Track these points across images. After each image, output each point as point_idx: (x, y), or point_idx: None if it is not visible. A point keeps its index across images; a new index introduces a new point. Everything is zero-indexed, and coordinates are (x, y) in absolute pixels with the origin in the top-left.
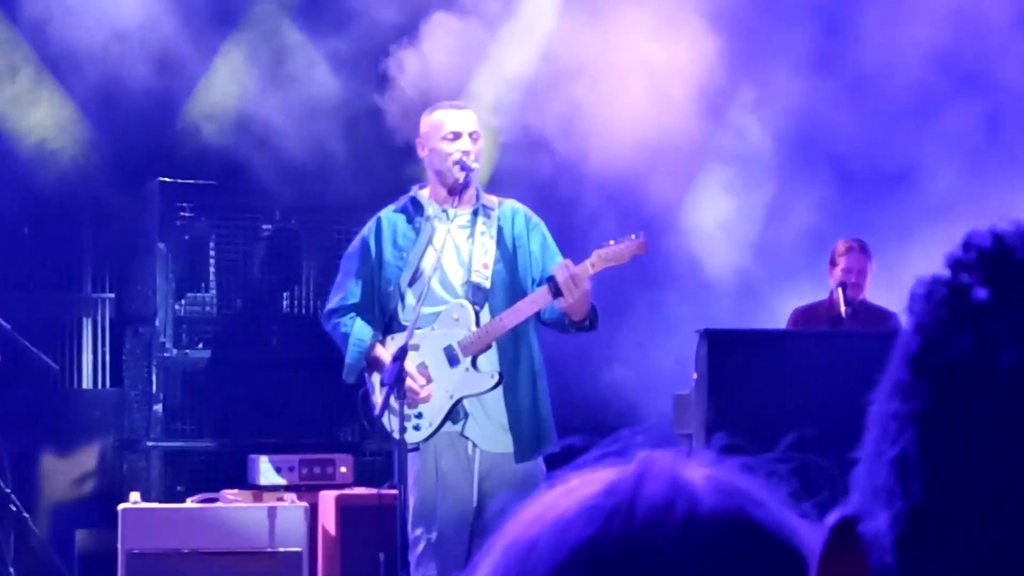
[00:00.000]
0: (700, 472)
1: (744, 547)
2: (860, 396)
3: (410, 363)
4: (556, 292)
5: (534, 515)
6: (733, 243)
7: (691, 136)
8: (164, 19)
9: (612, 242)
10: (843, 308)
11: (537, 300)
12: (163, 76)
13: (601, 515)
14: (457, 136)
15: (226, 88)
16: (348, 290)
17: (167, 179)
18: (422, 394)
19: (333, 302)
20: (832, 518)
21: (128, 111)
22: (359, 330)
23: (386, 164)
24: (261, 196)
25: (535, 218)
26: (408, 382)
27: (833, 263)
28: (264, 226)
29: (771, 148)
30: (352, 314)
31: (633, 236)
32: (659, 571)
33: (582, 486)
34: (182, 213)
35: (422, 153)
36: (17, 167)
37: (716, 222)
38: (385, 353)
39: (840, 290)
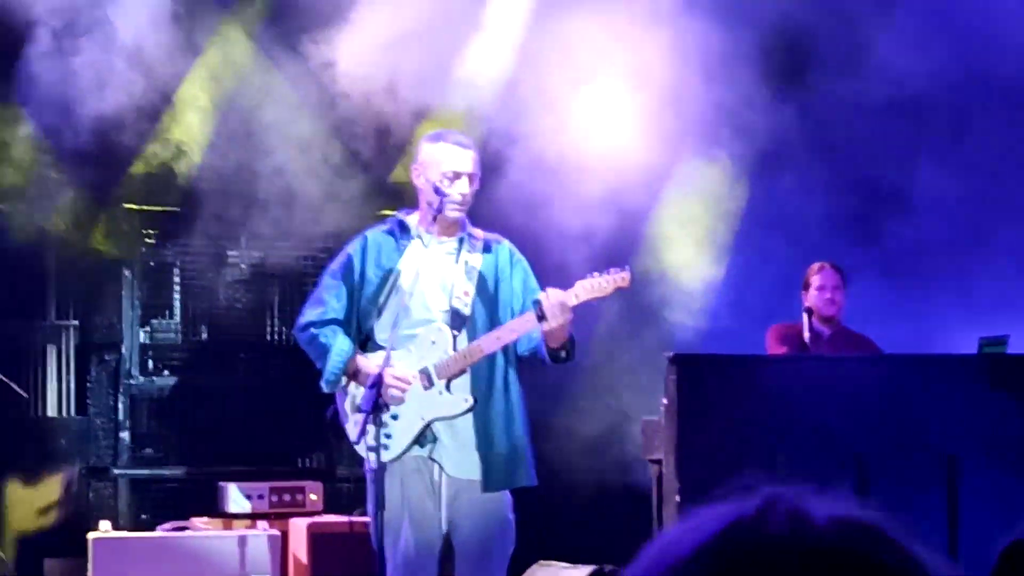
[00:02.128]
0: (824, 510)
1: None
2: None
3: (388, 374)
4: (541, 316)
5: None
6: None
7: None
8: (129, 45)
9: (596, 274)
10: (807, 334)
11: (519, 325)
12: (128, 100)
13: (721, 542)
14: (457, 177)
15: (191, 116)
16: (328, 304)
17: (132, 205)
18: (400, 400)
19: (312, 315)
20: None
21: (89, 135)
22: (341, 342)
23: (354, 192)
24: (226, 223)
25: (518, 255)
26: (393, 384)
27: (805, 286)
28: (230, 252)
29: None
30: (333, 327)
31: (616, 269)
32: None
33: (704, 517)
34: (147, 240)
35: (416, 180)
36: None
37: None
38: (367, 365)
39: (807, 315)
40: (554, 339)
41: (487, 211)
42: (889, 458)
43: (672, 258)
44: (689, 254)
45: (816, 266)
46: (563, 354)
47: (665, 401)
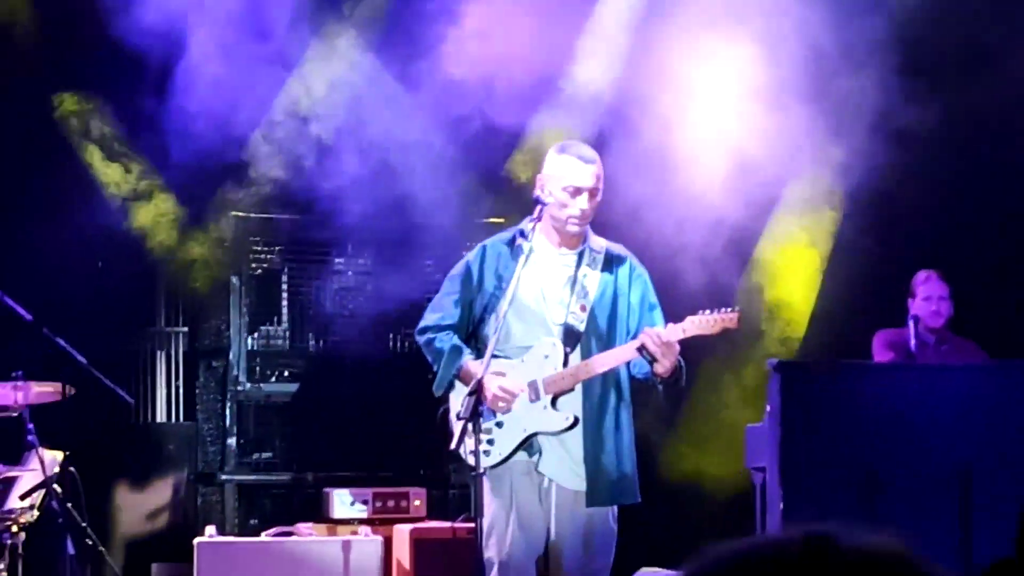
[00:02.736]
0: (856, 537)
1: None
2: (934, 429)
3: (493, 383)
4: (651, 360)
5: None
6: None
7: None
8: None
9: (706, 312)
10: (912, 342)
11: (623, 355)
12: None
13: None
14: (578, 192)
15: (292, 120)
16: (446, 310)
17: (240, 213)
18: (505, 410)
19: (430, 319)
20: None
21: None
22: (455, 347)
23: (462, 199)
24: (334, 230)
25: (640, 268)
26: (500, 396)
27: (912, 294)
28: (336, 260)
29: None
30: (449, 332)
31: (728, 309)
32: None
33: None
34: (255, 247)
35: (539, 192)
36: (93, 204)
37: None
38: (478, 368)
39: (913, 323)
40: (663, 369)
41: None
42: (997, 469)
43: (777, 291)
44: (794, 284)
45: (923, 275)
46: (673, 380)
47: (769, 408)
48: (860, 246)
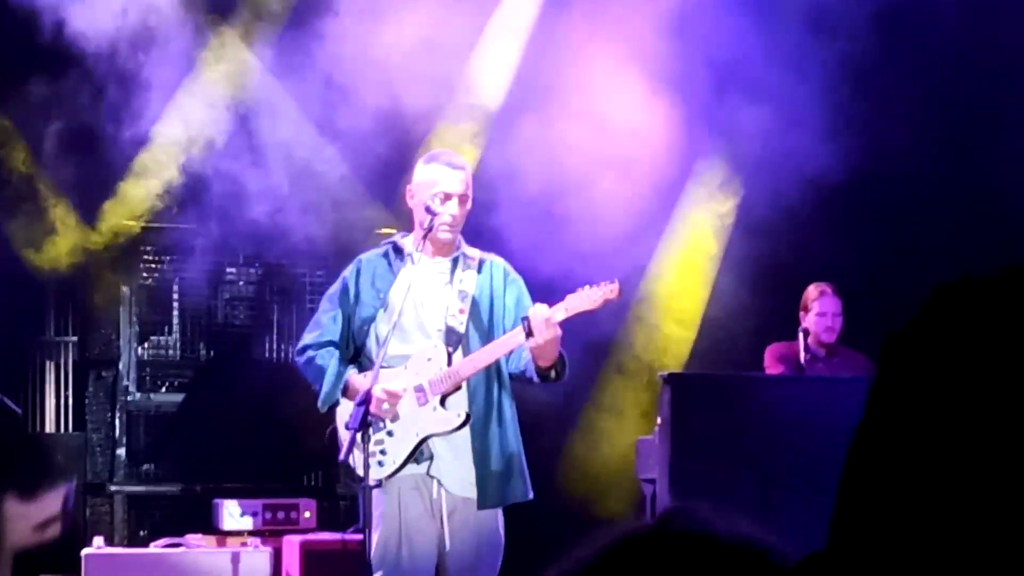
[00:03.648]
0: (724, 527)
1: None
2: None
3: (376, 388)
4: (528, 332)
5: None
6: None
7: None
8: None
9: (586, 287)
10: (804, 355)
11: (509, 341)
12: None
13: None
14: (448, 198)
15: (184, 131)
16: (325, 327)
17: (131, 222)
18: (391, 414)
19: (309, 338)
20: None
21: (85, 150)
22: (336, 363)
23: (348, 210)
24: (225, 241)
25: (513, 273)
26: (384, 398)
27: (805, 308)
28: (228, 270)
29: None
30: (329, 348)
31: (606, 282)
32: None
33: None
34: (145, 256)
35: (410, 201)
36: None
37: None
38: (362, 382)
39: (803, 336)
40: (543, 357)
41: (496, 223)
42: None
43: (666, 289)
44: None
45: (816, 290)
46: (552, 374)
47: (659, 420)
48: (751, 254)
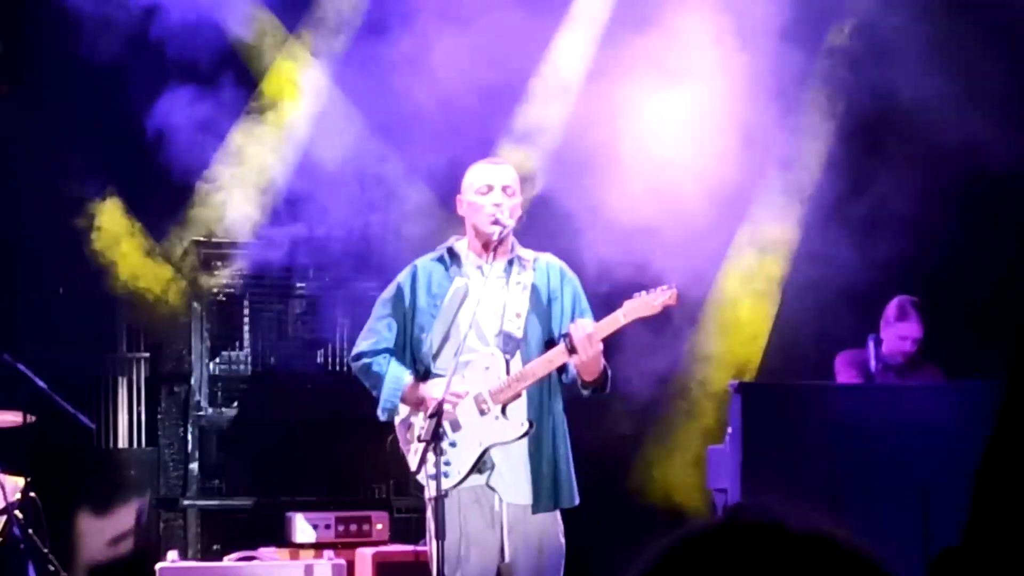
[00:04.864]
0: (795, 521)
1: (832, 561)
2: (894, 448)
3: (438, 391)
4: (572, 349)
5: None
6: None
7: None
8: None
9: (643, 292)
10: (873, 363)
11: (555, 358)
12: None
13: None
14: (490, 189)
15: (255, 149)
16: (380, 334)
17: (201, 238)
18: (451, 416)
19: (364, 345)
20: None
21: (160, 171)
22: (395, 370)
23: (417, 223)
24: (293, 255)
25: (570, 273)
26: (448, 400)
27: (887, 321)
28: (297, 284)
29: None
30: (385, 355)
31: (664, 287)
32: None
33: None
34: (216, 272)
35: (460, 208)
36: (56, 228)
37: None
38: (430, 391)
39: (872, 344)
40: (587, 372)
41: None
42: (955, 487)
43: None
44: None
45: (901, 308)
46: (598, 385)
47: (730, 429)
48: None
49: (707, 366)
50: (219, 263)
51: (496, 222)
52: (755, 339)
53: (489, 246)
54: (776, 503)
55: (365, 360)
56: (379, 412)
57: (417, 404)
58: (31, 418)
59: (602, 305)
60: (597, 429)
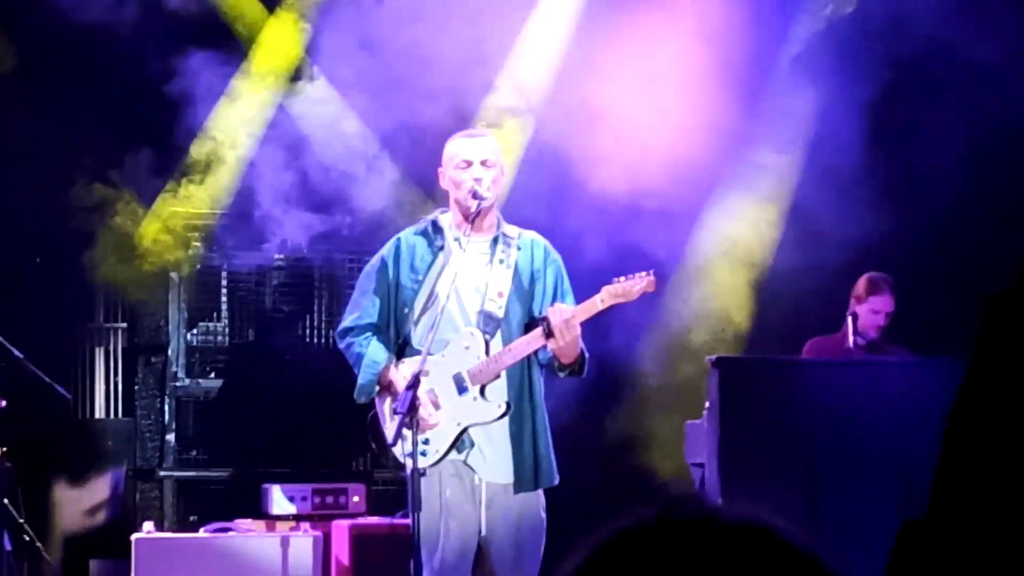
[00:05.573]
0: (729, 512)
1: (769, 554)
2: (871, 424)
3: (420, 389)
4: (548, 333)
5: None
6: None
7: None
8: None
9: (622, 278)
10: (851, 338)
11: (531, 341)
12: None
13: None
14: (469, 164)
15: (238, 121)
16: (364, 309)
17: (178, 209)
18: (431, 421)
19: (348, 320)
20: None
21: (143, 142)
22: (374, 351)
23: (397, 192)
24: (272, 225)
25: (554, 253)
26: (419, 410)
27: (859, 298)
28: (276, 255)
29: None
30: (368, 334)
31: (643, 273)
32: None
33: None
34: (194, 243)
35: (441, 182)
36: (30, 200)
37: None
38: (398, 377)
39: (851, 320)
40: (564, 356)
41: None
42: (932, 462)
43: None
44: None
45: (874, 285)
46: (574, 369)
47: (708, 404)
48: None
49: (692, 338)
50: (197, 233)
51: (476, 195)
52: (740, 308)
53: (468, 219)
54: (705, 496)
55: (348, 338)
56: (356, 394)
57: (388, 388)
58: (5, 390)
59: (581, 281)
60: (595, 405)
